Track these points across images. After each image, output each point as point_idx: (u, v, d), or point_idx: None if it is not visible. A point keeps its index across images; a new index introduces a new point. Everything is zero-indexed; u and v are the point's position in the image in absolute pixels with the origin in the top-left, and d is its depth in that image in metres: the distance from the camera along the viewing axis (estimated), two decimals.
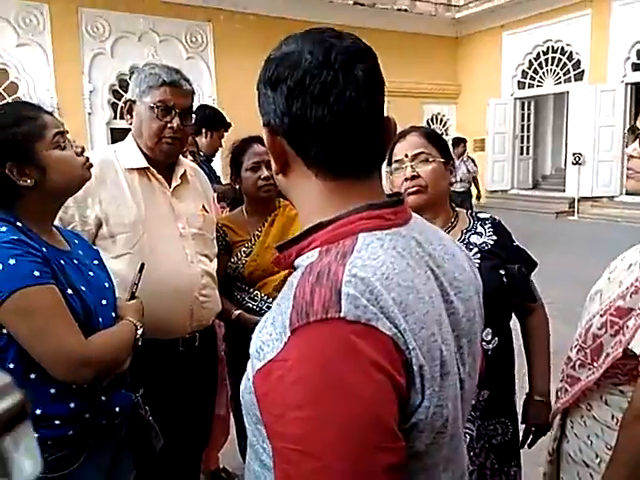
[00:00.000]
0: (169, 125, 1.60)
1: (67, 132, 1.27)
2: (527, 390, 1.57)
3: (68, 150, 1.24)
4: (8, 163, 1.15)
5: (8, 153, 1.16)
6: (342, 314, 0.58)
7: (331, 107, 0.65)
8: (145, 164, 1.64)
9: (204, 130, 3.21)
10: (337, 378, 0.57)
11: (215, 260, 1.85)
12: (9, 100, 8.25)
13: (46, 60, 8.50)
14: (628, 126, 10.33)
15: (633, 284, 1.09)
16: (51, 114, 1.26)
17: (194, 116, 1.71)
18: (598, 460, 1.15)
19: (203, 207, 1.79)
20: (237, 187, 2.05)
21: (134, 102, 1.64)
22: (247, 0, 9.83)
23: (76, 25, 8.78)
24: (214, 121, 3.26)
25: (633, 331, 1.04)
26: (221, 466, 2.59)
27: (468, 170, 8.11)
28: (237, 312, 1.90)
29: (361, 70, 0.67)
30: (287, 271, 2.06)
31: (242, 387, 0.69)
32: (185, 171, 1.75)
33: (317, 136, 0.67)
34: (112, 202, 1.55)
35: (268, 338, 0.62)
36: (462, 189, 8.00)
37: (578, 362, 1.21)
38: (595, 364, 1.15)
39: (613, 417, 1.12)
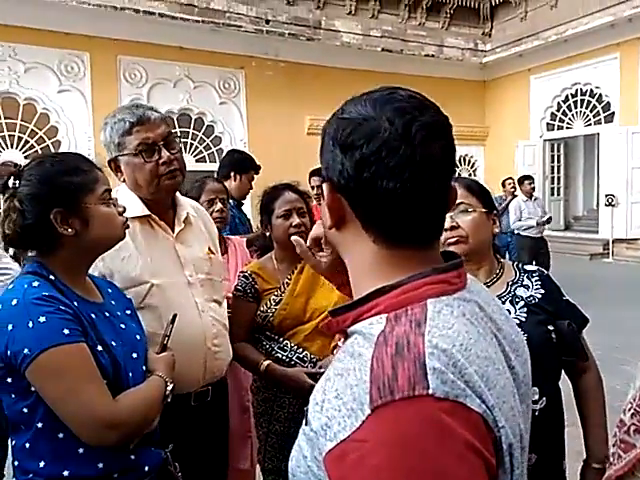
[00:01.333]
0: (161, 162, 1.53)
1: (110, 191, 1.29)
2: (574, 453, 1.48)
3: (112, 208, 1.27)
4: (55, 209, 1.17)
5: (58, 200, 1.18)
6: (430, 391, 0.55)
7: (404, 182, 0.64)
8: (146, 212, 1.57)
9: (233, 174, 3.25)
10: (429, 461, 0.53)
11: (225, 303, 1.81)
12: (49, 143, 8.60)
13: (85, 105, 8.87)
14: None
15: None
16: (101, 170, 1.30)
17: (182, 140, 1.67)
18: None
19: (209, 249, 1.74)
20: (267, 234, 2.05)
21: (116, 159, 1.56)
22: (278, 47, 10.16)
23: (114, 72, 9.18)
24: (243, 164, 3.29)
25: None
26: None
27: (544, 211, 7.20)
28: (266, 363, 1.86)
29: (439, 147, 0.66)
30: (318, 319, 2.02)
31: (293, 464, 0.65)
32: (188, 214, 1.69)
33: (384, 206, 0.65)
34: (116, 257, 1.45)
35: (336, 414, 0.57)
36: (538, 235, 6.96)
37: (632, 427, 1.13)
38: None
39: None
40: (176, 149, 1.58)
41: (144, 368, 1.28)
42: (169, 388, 1.27)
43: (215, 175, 3.40)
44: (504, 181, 8.05)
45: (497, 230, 1.47)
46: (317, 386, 0.66)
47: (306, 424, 0.64)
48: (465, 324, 0.63)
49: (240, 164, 3.30)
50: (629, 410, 1.16)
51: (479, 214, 1.41)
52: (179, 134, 9.93)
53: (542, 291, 1.44)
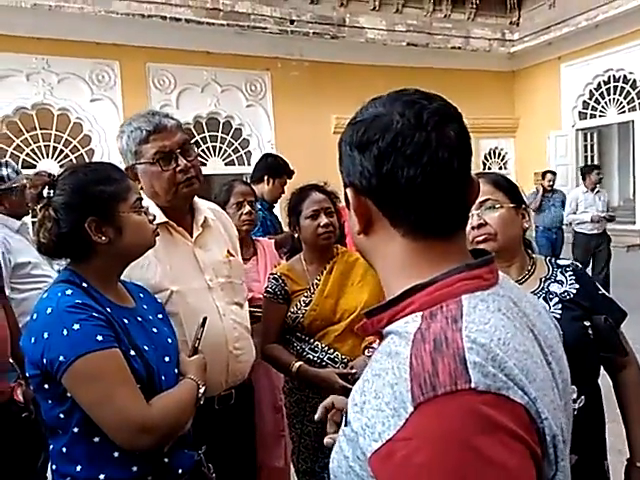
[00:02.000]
0: (178, 169, 1.53)
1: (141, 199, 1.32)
2: (619, 453, 1.44)
3: (144, 216, 1.29)
4: (90, 218, 1.20)
5: (92, 208, 1.21)
6: (472, 384, 0.55)
7: (424, 167, 0.65)
8: (164, 218, 1.57)
9: (266, 177, 3.29)
10: (477, 454, 0.53)
11: (246, 305, 1.81)
12: (83, 152, 8.82)
13: (117, 113, 9.05)
14: None
15: None
16: (135, 180, 1.33)
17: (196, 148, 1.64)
18: None
19: (228, 252, 1.73)
20: (296, 235, 2.06)
21: (133, 167, 1.57)
22: (303, 47, 10.17)
23: (144, 79, 9.34)
24: (276, 169, 3.34)
25: None
26: None
27: (607, 208, 6.45)
28: (297, 364, 1.87)
29: (453, 131, 0.67)
30: (348, 320, 2.03)
31: (334, 465, 0.66)
32: (206, 218, 1.69)
33: (407, 196, 0.66)
34: (135, 265, 1.41)
35: (376, 414, 0.58)
36: (595, 230, 6.24)
37: None
38: None
39: None
40: (192, 156, 1.59)
41: (176, 371, 1.30)
42: (201, 391, 1.28)
43: (249, 178, 3.46)
44: (544, 174, 7.45)
45: (527, 225, 1.43)
46: (355, 387, 0.66)
47: (345, 425, 0.65)
48: (501, 319, 0.63)
49: (274, 168, 3.35)
50: None
51: (507, 210, 1.38)
52: (208, 138, 10.07)
53: (577, 286, 1.40)
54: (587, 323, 1.34)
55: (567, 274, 1.42)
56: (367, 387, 0.62)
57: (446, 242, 0.69)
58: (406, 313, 0.65)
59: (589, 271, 5.75)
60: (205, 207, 1.74)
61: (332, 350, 1.89)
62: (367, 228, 0.72)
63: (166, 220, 1.58)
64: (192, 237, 1.63)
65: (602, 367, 1.44)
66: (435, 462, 0.53)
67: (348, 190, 0.71)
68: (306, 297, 1.96)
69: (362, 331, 0.73)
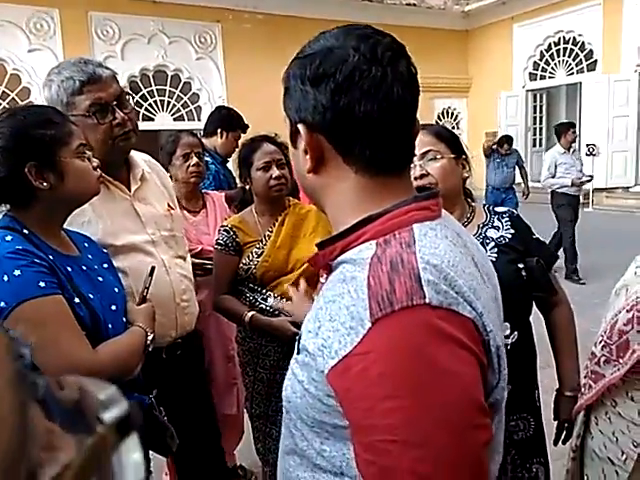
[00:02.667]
0: (115, 123, 1.47)
1: (86, 146, 1.27)
2: (542, 385, 1.54)
3: (87, 162, 1.24)
4: (29, 163, 1.15)
5: (32, 153, 1.15)
6: (427, 300, 0.59)
7: (380, 102, 0.66)
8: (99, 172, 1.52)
9: (219, 130, 3.21)
10: (430, 363, 0.57)
11: (189, 258, 1.80)
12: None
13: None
14: None
15: None
16: (75, 124, 1.26)
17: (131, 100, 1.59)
18: (624, 457, 1.12)
19: (169, 205, 1.71)
20: (247, 187, 2.03)
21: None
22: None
23: (86, 29, 8.84)
24: (230, 122, 3.25)
25: None
26: (238, 464, 2.60)
27: (581, 167, 6.04)
28: (250, 314, 1.89)
29: (405, 66, 0.68)
30: (300, 270, 2.05)
31: (288, 392, 0.69)
32: (143, 171, 1.64)
33: (363, 131, 0.67)
34: (73, 222, 1.37)
35: (332, 335, 0.61)
36: (577, 193, 6.03)
37: (603, 358, 1.18)
38: (621, 360, 1.12)
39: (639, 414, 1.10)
40: (129, 109, 1.53)
41: (124, 320, 1.29)
42: (149, 338, 1.28)
43: (202, 131, 3.37)
44: (500, 141, 7.19)
45: (466, 175, 1.48)
46: (307, 317, 0.69)
47: (298, 353, 0.68)
48: (449, 245, 0.67)
49: (228, 122, 3.26)
50: (600, 343, 1.20)
51: (448, 160, 1.43)
52: (156, 92, 9.70)
53: (512, 231, 1.47)
54: (521, 265, 1.42)
55: (503, 220, 1.50)
56: (320, 314, 0.65)
57: (396, 178, 0.71)
58: (359, 242, 0.68)
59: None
60: (140, 159, 1.69)
61: (285, 300, 1.91)
62: (318, 166, 0.71)
63: (102, 174, 1.51)
64: (130, 191, 1.59)
65: (536, 307, 1.54)
66: (391, 370, 0.57)
67: (300, 126, 0.70)
68: (258, 248, 1.95)
69: (313, 263, 0.76)
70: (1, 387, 0.24)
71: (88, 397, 0.29)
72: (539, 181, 6.64)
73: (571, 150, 6.12)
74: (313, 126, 0.69)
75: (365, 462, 0.59)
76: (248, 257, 1.95)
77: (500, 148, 6.96)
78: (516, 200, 6.95)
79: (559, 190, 5.95)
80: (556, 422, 1.54)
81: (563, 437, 1.52)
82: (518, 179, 7.28)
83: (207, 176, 2.95)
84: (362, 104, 0.65)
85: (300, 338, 0.69)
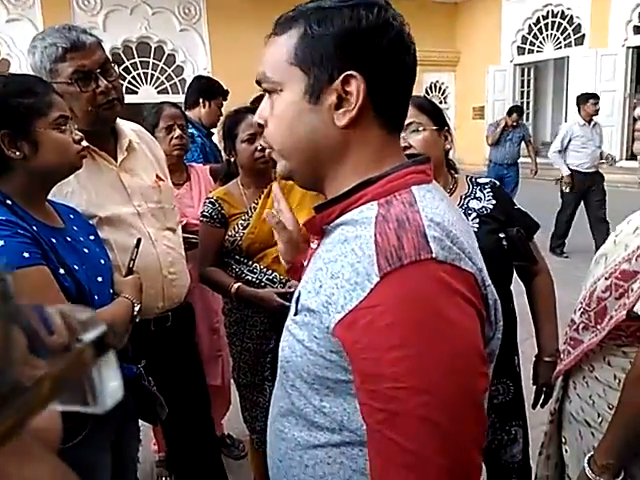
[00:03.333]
0: (98, 91, 1.43)
1: (71, 118, 1.24)
2: (525, 355, 1.58)
3: (67, 135, 1.22)
4: (2, 131, 1.13)
5: (5, 121, 1.14)
6: (434, 255, 0.61)
7: (412, 56, 0.70)
8: (84, 143, 1.46)
9: (202, 100, 3.16)
10: (437, 313, 0.60)
11: (179, 230, 1.78)
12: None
13: None
14: (629, 91, 10.21)
15: (639, 247, 1.08)
16: (62, 96, 1.24)
17: (117, 68, 1.55)
18: (600, 419, 1.16)
19: (157, 176, 1.67)
20: (232, 160, 2.02)
21: None
22: None
23: None
24: (210, 90, 3.19)
25: (638, 294, 1.04)
26: (226, 433, 2.65)
27: (600, 142, 5.59)
28: (236, 285, 1.89)
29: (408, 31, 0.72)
30: None
31: (286, 352, 0.72)
32: (130, 141, 1.60)
33: (395, 86, 0.70)
34: (58, 193, 1.35)
35: (336, 291, 0.63)
36: (591, 169, 5.55)
37: (581, 325, 1.21)
38: (599, 326, 1.15)
39: (615, 377, 1.13)
40: (113, 76, 1.50)
41: (111, 291, 1.29)
42: (136, 309, 1.29)
43: (184, 103, 3.32)
44: (510, 111, 6.71)
45: (449, 147, 1.49)
46: (304, 280, 0.72)
47: (295, 314, 0.71)
48: (446, 206, 0.70)
49: (208, 90, 3.20)
50: (579, 310, 1.23)
51: (430, 132, 1.43)
52: (139, 64, 9.50)
53: (494, 202, 1.49)
54: (502, 235, 1.45)
55: (485, 191, 1.51)
56: (320, 274, 0.67)
57: (397, 137, 0.75)
58: (359, 204, 0.69)
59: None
60: (128, 129, 1.66)
61: (270, 271, 1.92)
62: (355, 120, 0.69)
63: (87, 145, 1.47)
64: (117, 162, 1.57)
65: (517, 276, 1.57)
66: (398, 321, 0.59)
67: (353, 73, 0.67)
68: (244, 220, 1.95)
69: (310, 226, 0.76)
70: None
71: (68, 320, 0.30)
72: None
73: (592, 123, 5.67)
74: (366, 75, 0.67)
75: (373, 410, 0.61)
76: (234, 229, 1.95)
77: (508, 118, 6.57)
78: (517, 179, 6.66)
79: (571, 167, 5.58)
80: (535, 387, 1.58)
81: (541, 401, 1.57)
82: (523, 160, 6.95)
83: (195, 148, 2.91)
84: (405, 58, 0.69)
85: (298, 299, 0.71)
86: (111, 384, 0.29)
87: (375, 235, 0.63)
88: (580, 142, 5.57)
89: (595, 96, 5.70)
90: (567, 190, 5.71)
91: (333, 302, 0.63)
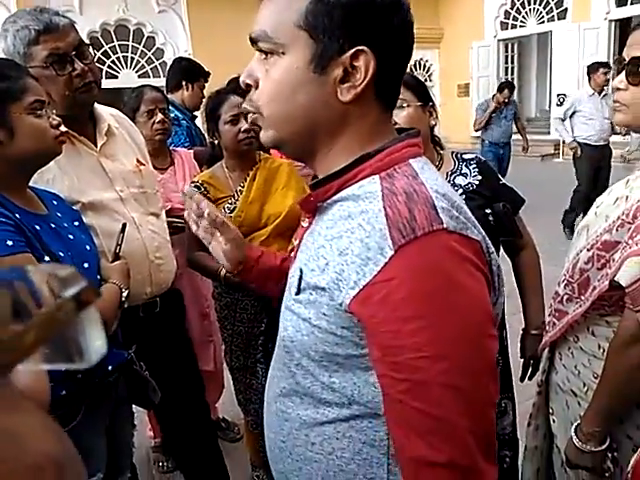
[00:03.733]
0: (74, 74, 1.41)
1: (49, 103, 1.22)
2: (512, 329, 1.60)
3: (43, 120, 1.19)
4: None
5: None
6: (444, 225, 0.62)
7: (413, 36, 0.71)
8: (63, 128, 1.42)
9: (184, 83, 3.11)
10: (452, 282, 0.62)
11: (163, 215, 1.77)
12: None
13: None
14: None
15: (620, 217, 1.09)
16: (38, 80, 1.21)
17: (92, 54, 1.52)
18: (586, 389, 1.18)
19: (138, 161, 1.65)
20: (216, 142, 1.99)
21: None
22: None
23: None
24: (192, 72, 3.15)
25: (619, 263, 1.05)
26: (220, 416, 2.67)
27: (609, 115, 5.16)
28: (225, 269, 1.89)
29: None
30: (274, 224, 2.05)
31: (290, 332, 0.72)
32: (109, 126, 1.59)
33: (402, 63, 0.71)
34: (39, 179, 1.33)
35: (347, 267, 0.63)
36: (601, 142, 5.30)
37: (566, 296, 1.22)
38: (582, 297, 1.16)
39: (600, 347, 1.15)
40: (89, 59, 1.47)
41: (98, 277, 1.29)
42: (124, 294, 1.28)
43: (165, 87, 3.27)
44: (500, 87, 6.36)
45: (434, 122, 1.49)
46: (303, 259, 0.71)
47: (297, 293, 0.70)
48: (441, 178, 0.72)
49: (190, 72, 3.15)
50: (563, 282, 1.25)
51: (414, 108, 1.43)
52: (118, 48, 9.32)
53: (479, 177, 1.50)
54: (488, 210, 1.46)
55: (471, 167, 1.52)
56: (324, 252, 0.67)
57: (391, 115, 0.75)
58: (358, 179, 0.69)
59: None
60: (107, 114, 1.63)
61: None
62: (359, 96, 0.68)
63: (66, 130, 1.44)
64: (97, 147, 1.55)
65: (503, 251, 1.59)
66: (415, 291, 0.60)
67: (367, 51, 0.65)
68: (230, 204, 1.94)
69: (305, 204, 0.75)
70: None
71: (50, 282, 0.31)
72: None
73: (602, 94, 5.34)
74: (376, 52, 0.66)
75: (395, 381, 0.63)
76: (220, 213, 1.94)
77: (499, 94, 6.31)
78: (509, 154, 6.56)
79: (580, 140, 5.33)
80: (522, 360, 1.61)
81: (529, 373, 1.60)
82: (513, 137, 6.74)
83: (181, 132, 2.88)
84: (410, 35, 0.69)
85: (301, 279, 0.70)
86: (95, 339, 0.30)
87: (385, 208, 0.63)
88: (588, 113, 5.33)
89: (606, 65, 5.46)
90: (578, 156, 5.38)
91: (344, 278, 0.64)
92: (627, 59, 1.09)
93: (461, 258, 0.63)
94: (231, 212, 1.93)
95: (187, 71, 3.14)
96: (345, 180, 0.70)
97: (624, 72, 1.10)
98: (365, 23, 0.65)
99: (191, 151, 2.55)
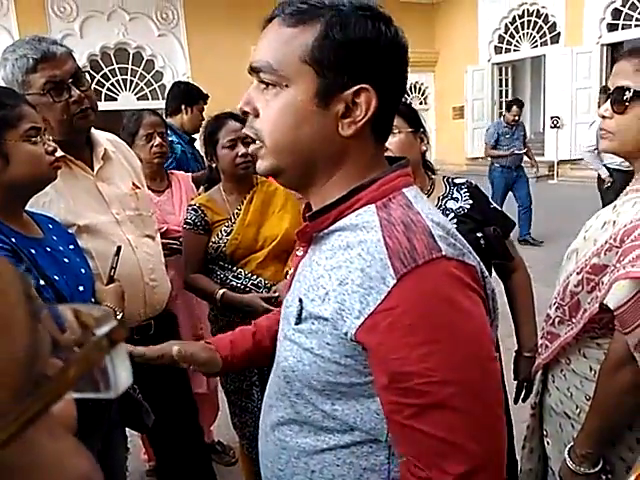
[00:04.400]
0: (71, 101, 1.44)
1: (45, 129, 1.24)
2: (509, 352, 1.61)
3: (39, 147, 1.21)
4: None
5: None
6: (443, 252, 0.64)
7: (406, 72, 0.73)
8: (60, 153, 1.41)
9: (183, 107, 3.15)
10: (454, 307, 0.63)
11: (158, 237, 1.79)
12: None
13: None
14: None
15: (607, 241, 1.11)
16: (34, 107, 1.23)
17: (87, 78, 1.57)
18: (578, 411, 1.19)
19: (134, 184, 1.68)
20: (214, 166, 2.02)
21: None
22: None
23: (42, 6, 8.51)
24: (191, 95, 3.19)
25: (608, 286, 1.07)
26: (216, 439, 2.65)
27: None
28: (221, 291, 1.90)
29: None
30: (270, 247, 2.05)
31: (291, 362, 0.72)
32: (105, 150, 1.61)
33: (399, 100, 0.73)
34: (35, 203, 1.35)
35: (349, 297, 0.65)
36: (625, 167, 4.53)
37: (557, 319, 1.23)
38: (573, 320, 1.18)
39: (591, 369, 1.16)
40: (86, 86, 1.50)
41: (93, 300, 1.29)
42: (118, 317, 1.28)
43: (164, 111, 3.31)
44: (509, 105, 6.34)
45: (425, 148, 1.52)
46: (303, 288, 0.72)
47: (298, 323, 0.71)
48: (433, 206, 0.75)
49: (189, 95, 3.20)
50: (554, 305, 1.26)
51: (405, 134, 1.46)
52: (118, 71, 9.43)
53: (470, 202, 1.52)
54: (479, 234, 1.47)
55: (462, 191, 1.54)
56: (323, 282, 0.68)
57: (384, 147, 0.77)
58: (354, 209, 0.71)
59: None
60: (103, 139, 1.66)
61: (255, 276, 1.93)
62: (359, 132, 0.70)
63: (62, 154, 1.46)
64: (93, 171, 1.57)
65: (495, 274, 1.60)
66: (421, 318, 0.62)
67: (366, 87, 0.67)
68: (227, 227, 1.96)
69: (301, 235, 0.77)
70: (15, 297, 0.28)
71: (81, 317, 0.34)
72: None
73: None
74: (377, 86, 0.68)
75: (402, 407, 0.63)
76: (217, 235, 1.95)
77: (507, 113, 6.11)
78: (527, 178, 6.30)
79: (614, 166, 4.86)
80: (516, 382, 1.61)
81: (522, 396, 1.60)
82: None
83: (172, 157, 2.90)
84: (403, 69, 0.72)
85: (301, 309, 0.71)
86: (123, 371, 0.33)
87: (384, 238, 0.65)
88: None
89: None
90: (609, 185, 5.00)
91: (347, 308, 0.65)
92: (612, 88, 1.12)
93: (461, 283, 0.65)
94: (228, 235, 1.95)
95: (186, 94, 3.18)
96: (341, 210, 0.71)
97: (609, 101, 1.13)
98: (368, 61, 0.67)
99: (189, 174, 2.58)
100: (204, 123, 2.06)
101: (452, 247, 0.66)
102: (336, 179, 0.72)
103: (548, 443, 1.32)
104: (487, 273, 0.72)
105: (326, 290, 0.67)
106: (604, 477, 1.13)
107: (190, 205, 2.03)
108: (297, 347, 0.71)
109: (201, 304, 2.17)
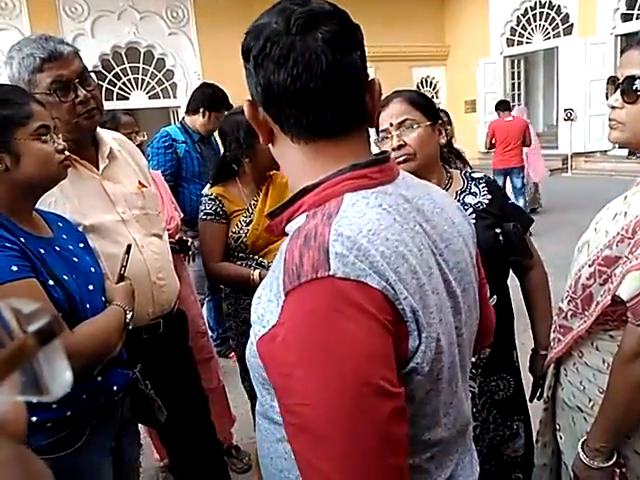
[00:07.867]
0: (77, 101, 1.44)
1: (55, 128, 1.24)
2: (524, 347, 1.59)
3: (49, 145, 1.21)
4: None
5: None
6: (331, 272, 0.61)
7: (290, 70, 0.66)
8: (66, 152, 1.45)
9: (202, 110, 3.12)
10: (333, 331, 0.60)
11: (165, 236, 1.78)
12: None
13: None
14: None
15: (619, 233, 1.09)
16: (44, 106, 1.23)
17: (95, 77, 1.56)
18: (591, 404, 1.17)
19: (140, 183, 1.67)
20: (248, 160, 1.99)
21: None
22: None
23: (53, 6, 8.59)
24: (214, 101, 3.14)
25: (620, 278, 1.05)
26: (234, 442, 2.59)
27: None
28: (257, 272, 1.90)
29: (324, 31, 0.67)
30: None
31: (247, 352, 0.72)
32: (111, 149, 1.62)
33: (284, 100, 0.68)
34: (41, 203, 1.34)
35: (267, 305, 0.65)
36: None
37: (570, 312, 1.22)
38: (586, 313, 1.16)
39: (604, 362, 1.14)
40: (92, 86, 1.50)
41: (103, 299, 1.29)
42: (128, 316, 1.28)
43: (185, 109, 3.31)
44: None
45: (443, 141, 1.49)
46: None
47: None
48: (379, 213, 0.67)
49: (212, 100, 3.14)
50: (566, 298, 1.25)
51: (424, 128, 1.42)
52: (129, 70, 9.49)
53: (489, 197, 1.49)
54: (498, 230, 1.45)
55: (480, 186, 1.51)
56: (265, 282, 0.69)
57: (337, 143, 0.71)
58: (299, 213, 0.71)
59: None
60: (109, 137, 1.66)
61: None
62: (271, 138, 0.74)
63: (67, 154, 1.46)
64: (99, 170, 1.57)
65: (512, 271, 1.57)
66: (300, 338, 0.61)
67: (245, 104, 0.74)
68: (245, 217, 1.98)
69: (269, 232, 0.78)
70: None
71: (15, 314, 0.32)
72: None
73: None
74: (255, 101, 0.72)
75: (285, 422, 0.64)
76: (237, 225, 1.97)
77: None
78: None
79: None
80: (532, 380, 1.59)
81: (538, 394, 1.58)
82: None
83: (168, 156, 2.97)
84: (275, 74, 0.67)
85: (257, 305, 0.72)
86: (60, 372, 0.31)
87: (286, 252, 0.65)
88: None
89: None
90: None
91: (263, 315, 0.65)
92: (621, 78, 1.10)
93: (347, 304, 0.60)
94: (247, 225, 1.97)
95: (208, 99, 3.14)
96: (291, 213, 0.72)
97: (619, 91, 1.11)
98: (247, 78, 0.73)
99: (158, 171, 2.66)
100: (238, 122, 1.97)
101: (350, 266, 0.61)
102: (289, 182, 0.77)
103: (561, 437, 1.31)
104: (406, 294, 0.64)
105: (262, 292, 0.68)
106: (618, 471, 1.12)
107: (206, 195, 2.03)
108: (250, 339, 0.70)
109: (196, 302, 2.19)
